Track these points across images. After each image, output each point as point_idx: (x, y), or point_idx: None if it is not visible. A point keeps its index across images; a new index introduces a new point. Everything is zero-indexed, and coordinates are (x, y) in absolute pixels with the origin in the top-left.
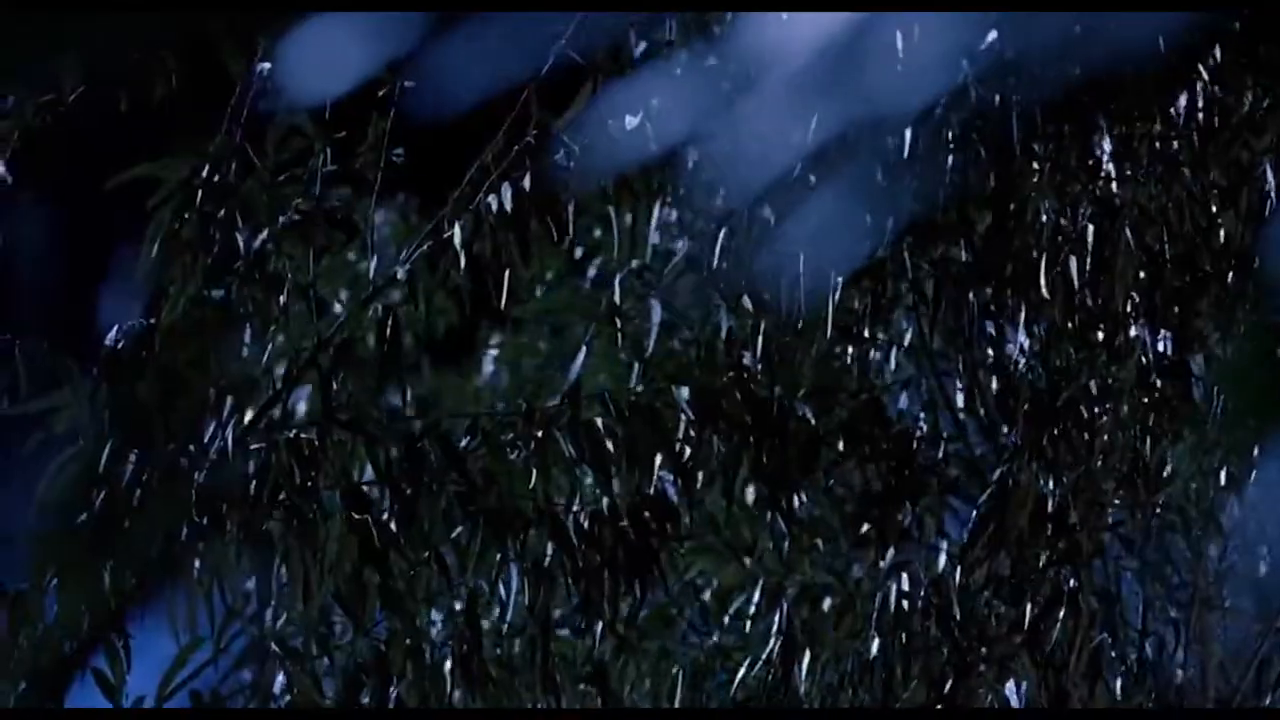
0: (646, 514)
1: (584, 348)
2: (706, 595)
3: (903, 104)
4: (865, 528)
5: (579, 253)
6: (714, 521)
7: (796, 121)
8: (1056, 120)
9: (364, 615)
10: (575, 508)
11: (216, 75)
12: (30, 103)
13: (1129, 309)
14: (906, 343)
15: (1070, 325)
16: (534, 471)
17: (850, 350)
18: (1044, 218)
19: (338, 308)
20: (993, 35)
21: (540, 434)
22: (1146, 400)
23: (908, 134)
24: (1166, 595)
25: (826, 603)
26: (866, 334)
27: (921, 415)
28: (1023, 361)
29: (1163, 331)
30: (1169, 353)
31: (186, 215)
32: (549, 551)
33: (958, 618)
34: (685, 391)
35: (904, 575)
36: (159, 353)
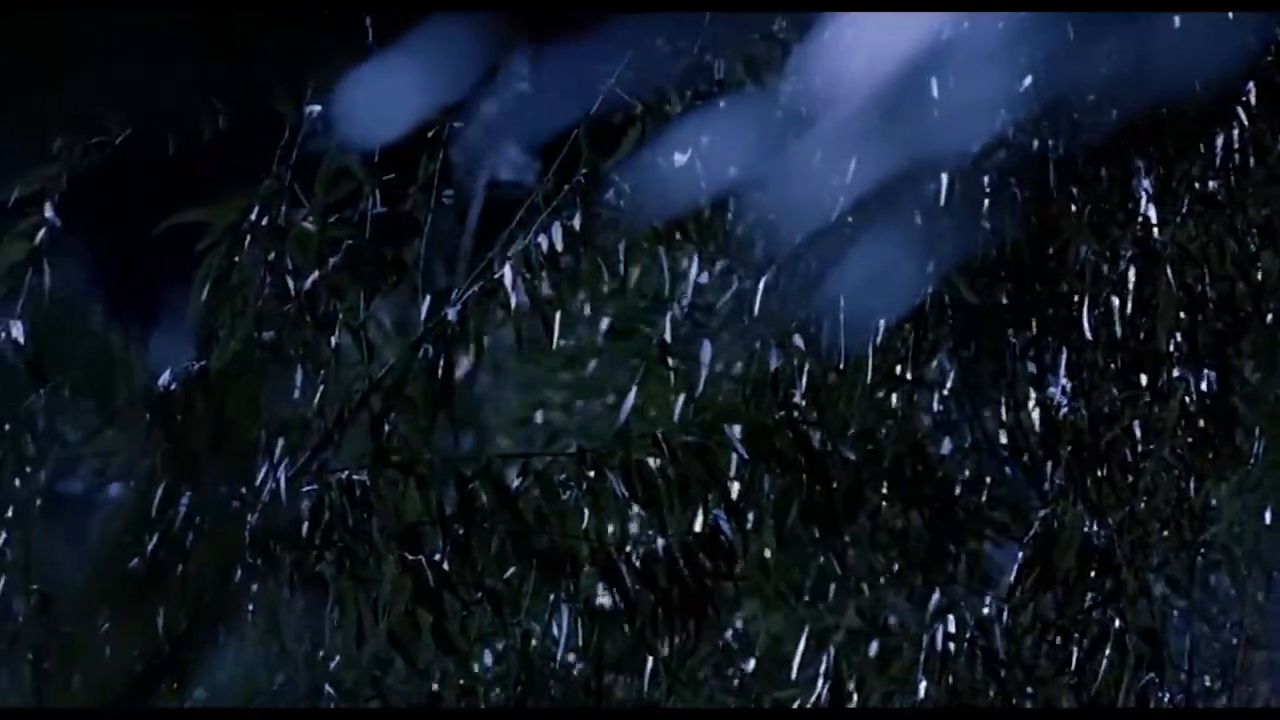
0: (700, 554)
1: (635, 388)
2: (758, 638)
3: (943, 149)
4: (910, 571)
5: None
6: (763, 564)
7: (840, 166)
8: (1095, 163)
9: (417, 656)
10: (628, 548)
11: (265, 117)
12: (78, 146)
13: (1171, 349)
14: (949, 386)
15: (1112, 366)
16: (586, 512)
17: (894, 393)
18: (1085, 260)
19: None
20: (1029, 80)
21: (592, 474)
22: (1190, 440)
23: (947, 179)
24: (1212, 635)
25: (873, 647)
26: (909, 376)
27: (965, 458)
28: (1065, 403)
29: (1205, 371)
30: (1211, 392)
31: (236, 258)
32: (601, 592)
33: (1004, 660)
34: (737, 430)
35: (950, 618)
36: (210, 395)
